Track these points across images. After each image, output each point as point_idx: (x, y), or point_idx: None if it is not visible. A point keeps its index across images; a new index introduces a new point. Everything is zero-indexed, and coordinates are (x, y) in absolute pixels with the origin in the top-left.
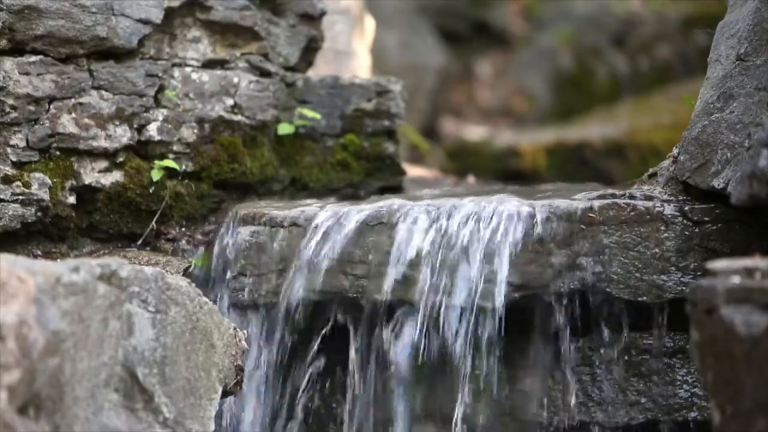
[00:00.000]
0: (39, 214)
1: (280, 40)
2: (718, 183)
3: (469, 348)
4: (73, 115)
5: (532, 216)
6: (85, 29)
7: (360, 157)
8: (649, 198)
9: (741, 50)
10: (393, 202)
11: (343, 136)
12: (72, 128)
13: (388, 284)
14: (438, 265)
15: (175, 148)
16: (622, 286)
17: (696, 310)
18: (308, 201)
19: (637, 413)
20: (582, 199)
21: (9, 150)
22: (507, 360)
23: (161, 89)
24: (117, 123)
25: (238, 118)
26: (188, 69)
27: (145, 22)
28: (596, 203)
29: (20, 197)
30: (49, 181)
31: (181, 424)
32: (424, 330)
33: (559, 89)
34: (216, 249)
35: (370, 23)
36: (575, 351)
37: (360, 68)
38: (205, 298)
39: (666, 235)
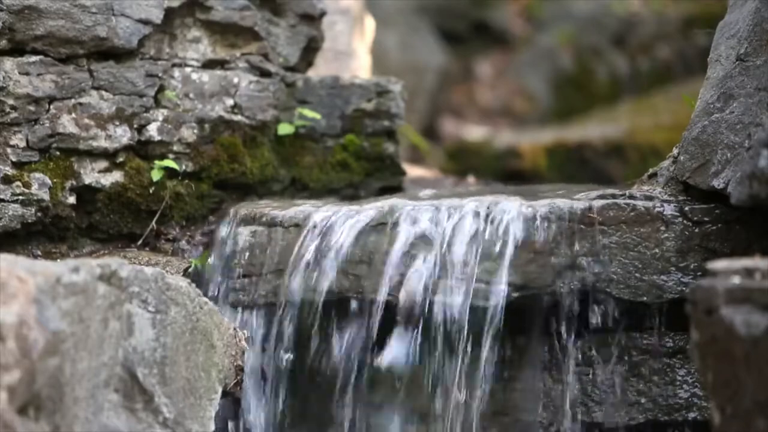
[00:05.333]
0: (39, 214)
1: (280, 40)
2: (718, 183)
3: (468, 348)
4: (73, 115)
5: (533, 216)
6: (85, 29)
7: (360, 157)
8: (649, 198)
9: (741, 50)
10: (393, 202)
11: (343, 136)
12: (72, 128)
13: (388, 284)
14: (438, 265)
15: (175, 148)
16: (622, 286)
17: (696, 310)
18: (308, 201)
19: (637, 413)
20: (582, 199)
21: (9, 150)
22: (506, 360)
23: (161, 89)
24: (117, 123)
25: (238, 118)
26: (188, 69)
27: (145, 22)
28: (596, 203)
29: (20, 197)
30: (49, 181)
31: (181, 425)
32: (424, 330)
33: (559, 89)
34: (216, 249)
35: (370, 23)
36: (575, 351)
37: (360, 68)
38: (205, 299)
39: (666, 235)
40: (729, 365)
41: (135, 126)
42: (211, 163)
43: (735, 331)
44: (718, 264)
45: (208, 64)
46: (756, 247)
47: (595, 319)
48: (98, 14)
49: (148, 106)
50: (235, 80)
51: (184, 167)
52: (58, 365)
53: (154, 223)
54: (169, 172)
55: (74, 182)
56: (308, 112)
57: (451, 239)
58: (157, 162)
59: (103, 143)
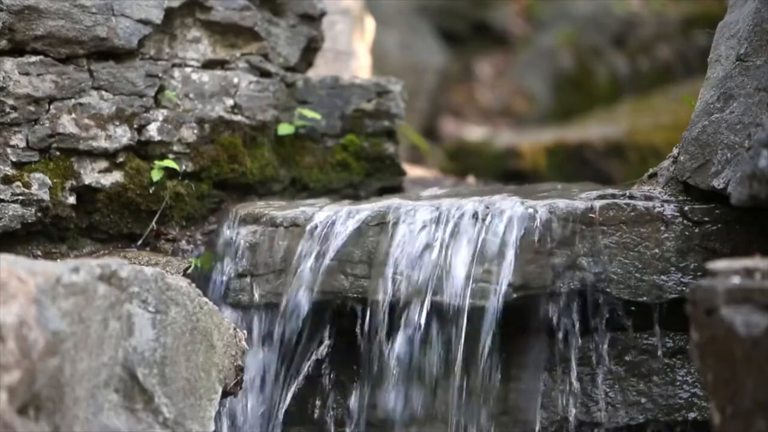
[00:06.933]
0: (39, 214)
1: (280, 41)
2: (718, 183)
3: (468, 348)
4: (73, 115)
5: (533, 216)
6: (85, 29)
7: (360, 157)
8: (649, 198)
9: (741, 50)
10: (393, 202)
11: (343, 136)
12: (72, 128)
13: (387, 284)
14: (438, 265)
15: (175, 148)
16: (622, 287)
17: (696, 310)
18: (308, 201)
19: (637, 413)
20: (582, 199)
21: (9, 150)
22: (506, 360)
23: (161, 89)
24: (117, 123)
25: (238, 118)
26: (188, 69)
27: (145, 22)
28: (596, 203)
29: (20, 197)
30: (49, 182)
31: (181, 425)
32: (424, 330)
33: (559, 89)
34: (216, 249)
35: (370, 23)
36: (575, 351)
37: (360, 68)
38: (205, 299)
39: (666, 235)
40: (729, 365)
41: (135, 126)
42: (211, 163)
43: (735, 331)
44: (718, 264)
45: (208, 64)
46: (756, 247)
47: (594, 319)
48: (98, 14)
49: (148, 106)
50: (235, 80)
51: (184, 167)
52: (58, 365)
53: (154, 223)
54: (169, 172)
55: (74, 182)
56: (308, 112)
57: (451, 239)
58: (157, 162)
59: (103, 143)
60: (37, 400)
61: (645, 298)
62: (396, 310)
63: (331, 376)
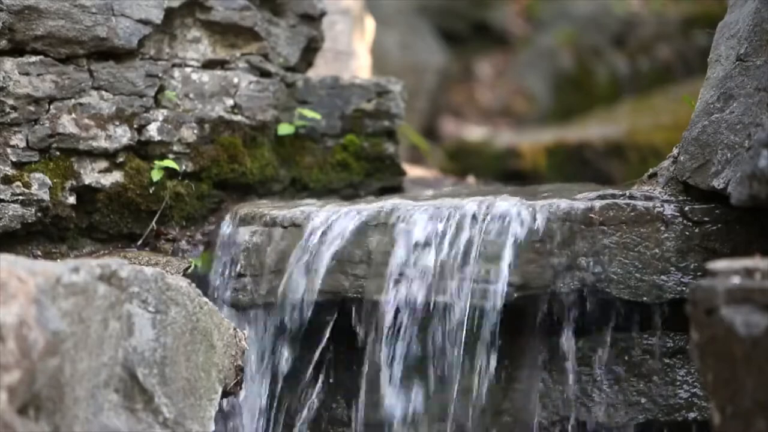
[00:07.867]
0: (39, 214)
1: (280, 41)
2: (718, 183)
3: (468, 348)
4: (73, 115)
5: (533, 216)
6: (85, 29)
7: (360, 157)
8: (649, 198)
9: (741, 51)
10: (393, 202)
11: (343, 136)
12: (72, 128)
13: (387, 284)
14: (437, 265)
15: (175, 148)
16: (622, 287)
17: (696, 310)
18: (308, 201)
19: (637, 413)
20: (582, 199)
21: (9, 150)
22: (506, 360)
23: (161, 89)
24: (117, 123)
25: (238, 118)
26: (188, 69)
27: (145, 22)
28: (596, 203)
29: (20, 197)
30: (49, 182)
31: (181, 425)
32: (424, 330)
33: (559, 89)
34: (216, 249)
35: (370, 23)
36: (575, 351)
37: (360, 68)
38: (205, 299)
39: (666, 235)
40: (729, 365)
41: (135, 126)
42: (211, 163)
43: (735, 331)
44: (718, 264)
45: (208, 64)
46: (756, 247)
47: (594, 319)
48: (98, 14)
49: (148, 106)
50: (235, 80)
51: (184, 167)
52: (58, 365)
53: (154, 223)
54: (169, 172)
55: (74, 182)
56: (308, 112)
57: (450, 239)
58: (157, 162)
59: (103, 143)
60: (37, 400)
61: (645, 298)
62: (396, 310)
63: (332, 375)
